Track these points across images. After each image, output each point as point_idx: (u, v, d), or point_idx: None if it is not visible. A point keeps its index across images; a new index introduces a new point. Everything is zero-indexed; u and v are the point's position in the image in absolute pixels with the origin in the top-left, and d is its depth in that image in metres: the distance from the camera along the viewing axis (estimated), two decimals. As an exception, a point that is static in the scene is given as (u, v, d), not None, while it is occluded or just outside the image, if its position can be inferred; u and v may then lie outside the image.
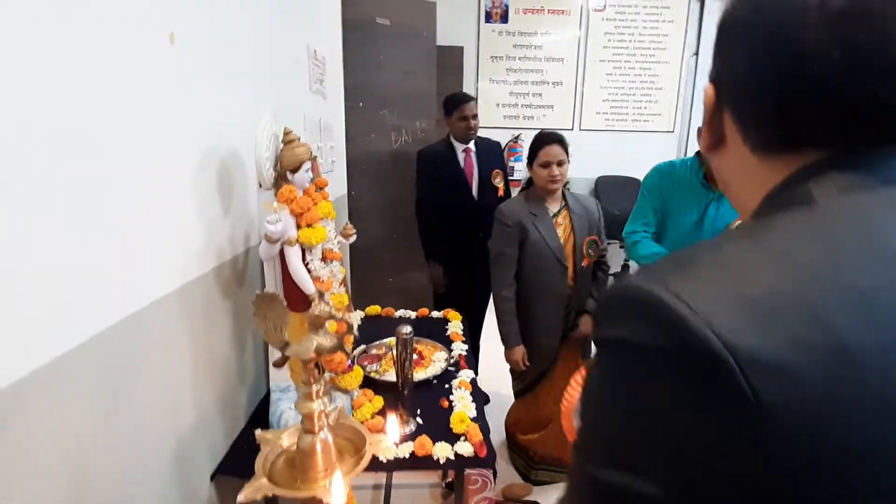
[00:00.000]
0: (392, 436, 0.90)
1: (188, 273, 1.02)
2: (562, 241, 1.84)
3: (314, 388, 0.84)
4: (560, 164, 1.78)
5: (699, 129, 1.74)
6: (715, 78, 0.44)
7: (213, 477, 1.13)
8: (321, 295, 1.17)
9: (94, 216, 0.75)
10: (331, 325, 0.91)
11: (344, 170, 2.68)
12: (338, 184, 2.50)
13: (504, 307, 1.92)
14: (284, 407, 1.24)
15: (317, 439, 0.86)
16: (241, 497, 0.79)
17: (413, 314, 2.09)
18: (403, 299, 2.68)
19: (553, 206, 1.87)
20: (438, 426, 1.28)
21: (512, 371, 2.05)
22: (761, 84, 0.38)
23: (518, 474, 2.16)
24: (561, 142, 1.81)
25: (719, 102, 0.43)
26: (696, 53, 4.50)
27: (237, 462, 1.15)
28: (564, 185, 1.89)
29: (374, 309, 2.08)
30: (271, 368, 1.29)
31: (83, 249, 0.73)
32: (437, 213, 2.47)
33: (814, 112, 0.36)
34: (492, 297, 1.99)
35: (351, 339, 1.36)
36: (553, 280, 1.85)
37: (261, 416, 1.31)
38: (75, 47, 0.70)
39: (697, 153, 1.69)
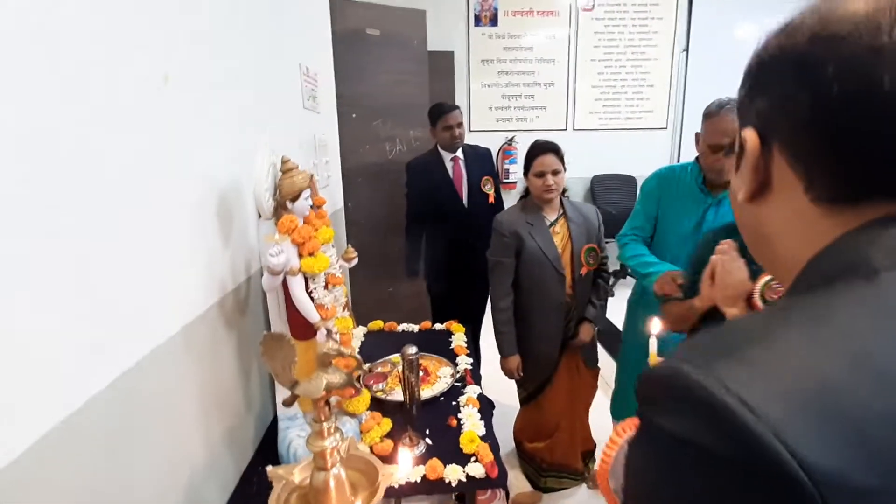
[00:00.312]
0: (404, 468, 0.90)
1: (191, 312, 1.01)
2: (559, 249, 1.84)
3: (325, 426, 0.84)
4: (555, 173, 1.78)
5: (696, 135, 1.73)
6: (758, 122, 0.40)
7: (224, 510, 1.13)
8: (329, 332, 1.16)
9: (92, 270, 0.74)
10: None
11: (339, 183, 2.67)
12: (334, 198, 2.50)
13: (501, 317, 1.92)
14: (293, 435, 1.23)
15: (330, 476, 0.85)
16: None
17: (416, 327, 2.08)
18: (403, 309, 2.69)
19: (550, 215, 1.87)
20: (448, 446, 1.28)
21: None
22: (829, 125, 0.34)
23: (528, 481, 2.17)
24: (555, 151, 1.81)
25: (767, 147, 0.39)
26: (686, 49, 4.51)
27: (247, 494, 1.15)
28: (563, 194, 1.89)
29: (377, 324, 2.07)
30: (278, 396, 1.28)
31: (78, 308, 0.72)
32: (429, 223, 2.47)
33: (889, 156, 0.33)
34: (489, 305, 1.99)
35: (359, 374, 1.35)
36: (551, 289, 1.85)
37: (268, 444, 1.31)
38: (71, 87, 0.69)
39: (697, 158, 1.69)
